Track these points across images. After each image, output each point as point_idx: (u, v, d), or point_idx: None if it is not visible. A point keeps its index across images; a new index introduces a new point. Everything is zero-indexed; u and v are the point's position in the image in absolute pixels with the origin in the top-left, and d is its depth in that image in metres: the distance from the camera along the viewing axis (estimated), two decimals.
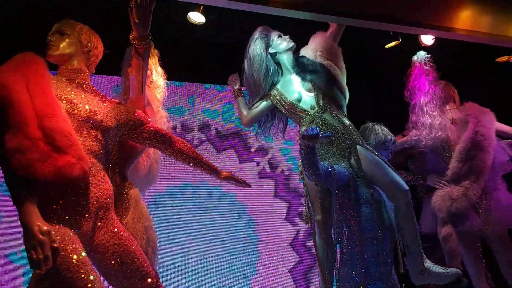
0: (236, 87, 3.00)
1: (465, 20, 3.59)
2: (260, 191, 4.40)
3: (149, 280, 1.82)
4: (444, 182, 3.21)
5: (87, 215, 1.72)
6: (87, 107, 1.83)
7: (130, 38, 2.00)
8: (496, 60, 3.94)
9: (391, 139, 2.73)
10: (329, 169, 2.33)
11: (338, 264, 2.46)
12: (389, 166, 2.47)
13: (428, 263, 2.46)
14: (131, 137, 2.07)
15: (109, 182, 1.85)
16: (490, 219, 3.08)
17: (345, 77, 2.74)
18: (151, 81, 2.53)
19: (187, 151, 2.17)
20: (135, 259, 1.80)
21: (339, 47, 2.76)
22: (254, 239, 4.27)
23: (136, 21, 1.90)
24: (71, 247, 1.57)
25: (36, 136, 1.49)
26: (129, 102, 2.24)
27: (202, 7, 3.25)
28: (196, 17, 3.36)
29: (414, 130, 3.25)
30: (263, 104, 2.85)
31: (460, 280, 2.45)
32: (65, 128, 1.59)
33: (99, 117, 1.85)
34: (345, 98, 2.71)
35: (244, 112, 2.90)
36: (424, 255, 2.47)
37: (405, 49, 3.68)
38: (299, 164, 2.70)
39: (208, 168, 2.22)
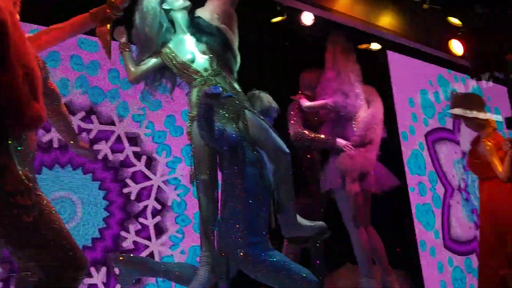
0: (123, 40, 2.86)
1: (342, 3, 3.96)
2: None
3: None
4: (350, 145, 3.74)
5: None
6: None
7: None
8: (357, 47, 4.41)
9: (274, 107, 2.93)
10: (222, 131, 2.42)
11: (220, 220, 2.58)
12: (273, 131, 2.65)
13: (298, 218, 2.72)
14: None
15: None
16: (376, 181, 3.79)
17: (237, 43, 2.83)
18: None
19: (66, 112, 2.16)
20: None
21: (236, 14, 2.82)
22: None
23: None
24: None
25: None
26: None
27: None
28: None
29: (340, 96, 3.74)
30: (152, 62, 2.79)
31: (325, 232, 2.76)
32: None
33: None
34: (237, 64, 2.81)
35: (132, 68, 2.80)
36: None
37: (287, 26, 3.93)
38: (188, 124, 2.74)
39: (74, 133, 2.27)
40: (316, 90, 3.91)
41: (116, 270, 2.60)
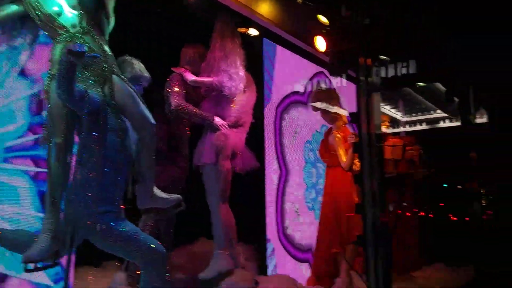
0: None
1: None
2: None
3: None
4: (226, 125, 3.91)
5: None
6: None
7: None
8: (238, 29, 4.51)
9: (146, 77, 2.86)
10: (83, 92, 2.30)
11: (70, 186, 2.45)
12: (141, 100, 2.61)
13: (155, 189, 2.73)
14: None
15: None
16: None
17: (112, 4, 2.69)
18: None
19: None
20: None
21: None
22: None
23: None
24: None
25: None
26: None
27: None
28: None
29: (225, 77, 3.85)
30: (12, 8, 2.56)
31: (180, 204, 2.82)
32: None
33: None
34: (109, 26, 2.68)
35: None
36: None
37: None
38: (47, 81, 2.55)
39: None
40: (200, 66, 3.94)
41: None
